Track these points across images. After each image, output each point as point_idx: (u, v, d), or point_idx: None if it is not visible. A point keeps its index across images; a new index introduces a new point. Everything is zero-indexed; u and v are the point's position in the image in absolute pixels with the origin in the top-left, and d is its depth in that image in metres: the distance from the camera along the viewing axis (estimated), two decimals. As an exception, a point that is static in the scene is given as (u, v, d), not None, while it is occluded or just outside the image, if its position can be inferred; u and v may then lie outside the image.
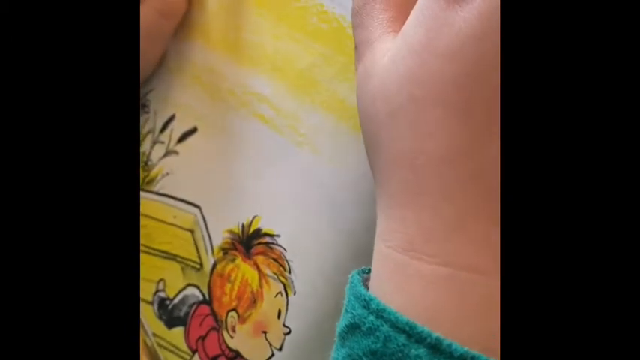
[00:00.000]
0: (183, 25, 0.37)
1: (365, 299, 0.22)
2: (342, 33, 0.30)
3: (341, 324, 0.23)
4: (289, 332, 0.32)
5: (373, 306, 0.22)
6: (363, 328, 0.22)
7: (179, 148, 0.37)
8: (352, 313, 0.22)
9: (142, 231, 0.37)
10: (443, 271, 0.21)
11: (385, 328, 0.21)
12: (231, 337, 0.34)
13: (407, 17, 0.23)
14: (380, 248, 0.23)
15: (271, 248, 0.32)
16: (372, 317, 0.21)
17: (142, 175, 0.37)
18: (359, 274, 0.24)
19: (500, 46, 0.20)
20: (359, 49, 0.25)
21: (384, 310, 0.21)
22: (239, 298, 0.33)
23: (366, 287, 0.24)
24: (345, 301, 0.23)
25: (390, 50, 0.23)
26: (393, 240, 0.22)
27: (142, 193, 0.37)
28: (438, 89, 0.21)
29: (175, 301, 0.37)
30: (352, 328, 0.22)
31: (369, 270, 0.24)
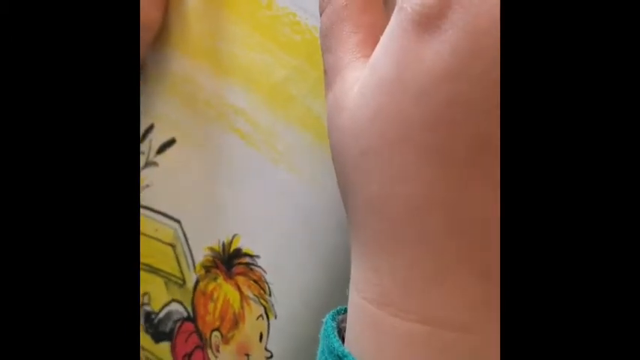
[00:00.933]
0: (162, 32, 0.35)
1: (338, 355, 0.21)
2: (316, 45, 0.29)
3: None
4: (271, 357, 0.31)
5: None
6: None
7: (159, 159, 0.36)
8: None
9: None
10: (421, 330, 0.19)
11: None
12: (216, 357, 0.33)
13: (377, 39, 0.21)
14: (354, 298, 0.22)
15: (252, 269, 0.31)
16: None
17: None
18: (333, 318, 0.23)
19: (500, 87, 0.18)
20: (328, 75, 0.23)
21: None
22: (222, 318, 0.33)
23: (342, 330, 0.22)
24: (319, 351, 0.22)
25: (359, 80, 0.21)
26: (368, 291, 0.21)
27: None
28: (409, 130, 0.19)
29: (161, 315, 0.36)
30: None
31: (346, 309, 0.23)
